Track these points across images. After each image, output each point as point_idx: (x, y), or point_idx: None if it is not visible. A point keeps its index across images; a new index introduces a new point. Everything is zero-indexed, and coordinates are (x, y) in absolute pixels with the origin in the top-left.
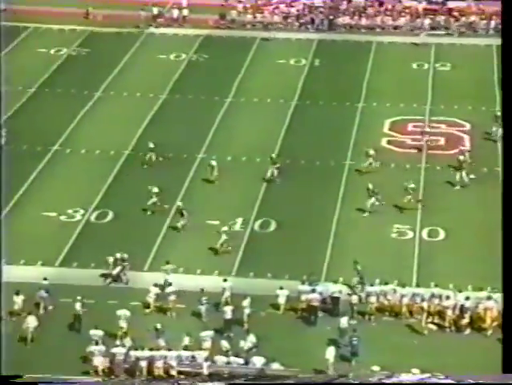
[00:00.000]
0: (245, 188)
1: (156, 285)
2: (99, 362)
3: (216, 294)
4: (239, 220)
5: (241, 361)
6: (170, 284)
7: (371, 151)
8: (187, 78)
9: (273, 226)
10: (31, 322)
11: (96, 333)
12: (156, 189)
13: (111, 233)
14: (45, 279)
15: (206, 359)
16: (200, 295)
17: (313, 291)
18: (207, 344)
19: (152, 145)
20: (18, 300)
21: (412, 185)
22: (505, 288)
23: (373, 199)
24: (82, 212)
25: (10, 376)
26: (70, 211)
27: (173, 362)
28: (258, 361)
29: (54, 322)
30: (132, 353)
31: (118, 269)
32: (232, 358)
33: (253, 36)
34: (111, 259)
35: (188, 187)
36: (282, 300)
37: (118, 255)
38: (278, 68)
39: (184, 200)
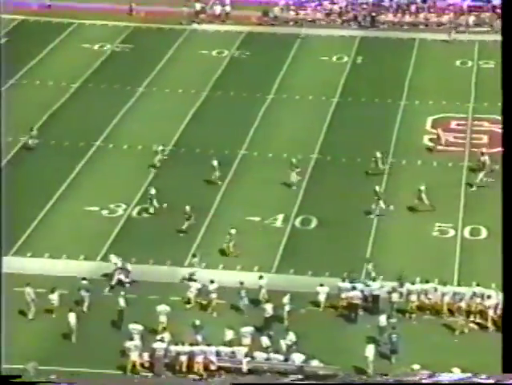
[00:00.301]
0: (286, 185)
1: (193, 279)
2: (136, 357)
3: (255, 291)
4: (280, 217)
5: (280, 357)
6: (193, 277)
7: (378, 154)
8: (229, 74)
9: (314, 223)
10: (72, 319)
11: (136, 327)
12: (153, 191)
13: (152, 228)
14: (84, 279)
15: (246, 355)
16: (239, 289)
17: (353, 289)
18: (247, 340)
19: (161, 147)
20: (54, 297)
21: (422, 187)
22: (505, 287)
23: (380, 202)
24: (124, 207)
25: (10, 376)
26: (112, 206)
27: (213, 358)
28: (297, 358)
29: (95, 316)
30: (173, 348)
31: (115, 279)
32: (271, 355)
33: (296, 33)
34: (114, 259)
35: (229, 183)
36: (322, 297)
37: (114, 259)
38: (320, 65)
39: (225, 196)
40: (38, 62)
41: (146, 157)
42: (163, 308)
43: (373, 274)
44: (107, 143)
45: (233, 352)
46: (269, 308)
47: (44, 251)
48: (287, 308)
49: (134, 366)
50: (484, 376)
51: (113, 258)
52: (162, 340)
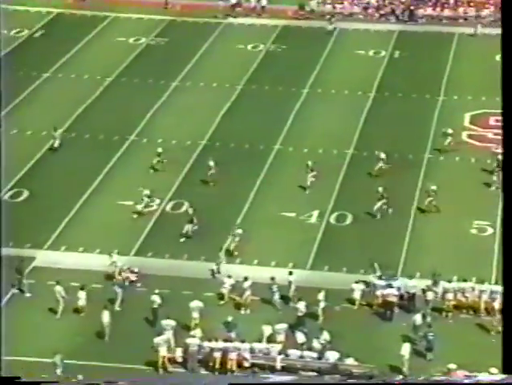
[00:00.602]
0: (322, 180)
1: (229, 276)
2: (165, 352)
3: (285, 287)
4: (315, 213)
5: (314, 355)
6: (218, 271)
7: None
8: (264, 68)
9: (349, 219)
10: (105, 317)
11: (169, 323)
12: (147, 192)
13: (186, 223)
14: (119, 274)
15: (280, 352)
16: (270, 284)
17: (389, 286)
18: (281, 337)
19: (160, 150)
20: (82, 296)
21: (434, 187)
22: (505, 287)
23: (380, 202)
24: (158, 201)
25: (10, 377)
26: (146, 200)
27: (247, 355)
28: (331, 356)
29: (128, 313)
30: (206, 344)
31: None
32: (305, 352)
33: (333, 26)
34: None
35: (263, 178)
36: (357, 294)
37: (115, 257)
38: (357, 59)
39: (260, 191)
40: (74, 56)
41: (181, 151)
42: (195, 304)
43: (378, 273)
44: (141, 138)
45: (267, 349)
46: (302, 306)
47: (78, 245)
48: (322, 305)
49: (163, 361)
50: None
51: (114, 256)
52: (195, 336)
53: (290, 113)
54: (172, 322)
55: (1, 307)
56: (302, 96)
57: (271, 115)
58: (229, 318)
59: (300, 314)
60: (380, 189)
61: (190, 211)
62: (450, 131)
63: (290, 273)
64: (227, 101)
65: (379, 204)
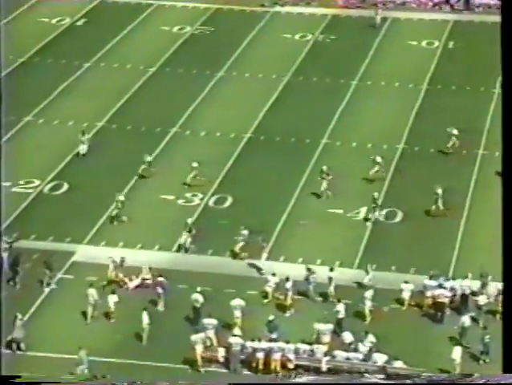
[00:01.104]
0: (370, 177)
1: (274, 274)
2: (201, 349)
3: (339, 287)
4: (363, 210)
5: (360, 357)
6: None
7: (379, 159)
8: (312, 59)
9: (399, 217)
10: (145, 318)
11: (210, 322)
12: (121, 197)
13: (230, 218)
14: (160, 276)
15: (325, 354)
16: (308, 275)
17: (440, 287)
18: (326, 338)
19: (149, 158)
20: (112, 300)
21: (440, 191)
22: (505, 287)
23: (376, 211)
24: (200, 196)
25: (11, 376)
26: (188, 194)
27: (291, 356)
28: (379, 358)
29: (169, 310)
30: (249, 344)
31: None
32: (352, 354)
33: (384, 16)
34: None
35: (310, 173)
36: (406, 295)
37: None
38: (409, 50)
39: (306, 187)
40: (116, 45)
41: (224, 144)
42: (237, 302)
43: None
44: (185, 130)
45: (311, 350)
46: (341, 308)
47: (118, 240)
48: (369, 304)
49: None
50: None
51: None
52: (238, 335)
53: (338, 106)
54: (214, 321)
55: (1, 306)
56: (350, 88)
57: (318, 108)
58: (271, 318)
59: (341, 316)
60: (376, 195)
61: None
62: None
63: (331, 269)
64: (273, 93)
65: (372, 211)
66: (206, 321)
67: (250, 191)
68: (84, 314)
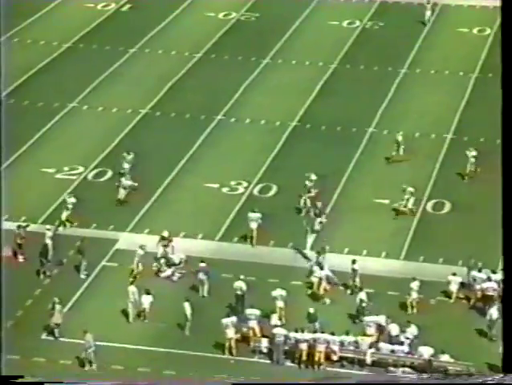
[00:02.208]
0: (418, 167)
1: (318, 264)
2: (232, 334)
3: (377, 278)
4: (411, 200)
5: (405, 349)
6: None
7: (400, 137)
8: (360, 47)
9: (447, 207)
10: (187, 309)
11: (253, 312)
12: (73, 199)
13: (274, 207)
14: (202, 262)
15: (370, 346)
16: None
17: (489, 279)
18: (371, 330)
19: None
20: (146, 301)
21: (411, 189)
22: (505, 287)
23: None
24: (245, 184)
25: (11, 376)
26: (233, 183)
27: (335, 347)
28: (425, 351)
29: (211, 298)
30: (292, 335)
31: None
32: (397, 347)
33: (434, 2)
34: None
35: (356, 163)
36: (454, 287)
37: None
38: (460, 38)
39: (352, 177)
40: (161, 31)
41: (269, 133)
42: (279, 292)
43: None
44: (229, 117)
45: (356, 342)
46: (363, 296)
47: (162, 228)
48: (414, 296)
49: (230, 344)
50: None
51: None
52: (280, 326)
53: (385, 94)
54: (257, 312)
55: (1, 302)
56: (399, 76)
57: (366, 96)
58: (311, 310)
59: (364, 304)
60: (407, 187)
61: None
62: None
63: (354, 261)
64: (320, 80)
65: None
66: (249, 311)
67: (295, 180)
68: (125, 311)
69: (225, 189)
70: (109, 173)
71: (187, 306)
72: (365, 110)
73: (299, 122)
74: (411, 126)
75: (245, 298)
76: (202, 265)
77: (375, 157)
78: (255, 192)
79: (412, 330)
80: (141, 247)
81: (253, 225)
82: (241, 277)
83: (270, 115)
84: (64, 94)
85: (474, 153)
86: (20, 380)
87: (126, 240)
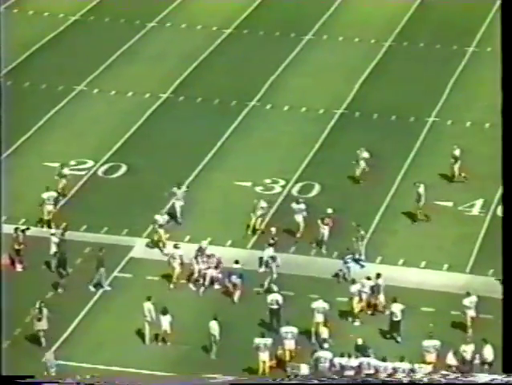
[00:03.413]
0: (486, 164)
1: (368, 278)
2: (266, 357)
3: (438, 294)
4: (478, 203)
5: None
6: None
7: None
8: (418, 21)
9: None
10: (214, 328)
11: (289, 330)
12: (50, 207)
13: (316, 209)
14: (236, 262)
15: (428, 374)
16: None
17: None
18: (431, 357)
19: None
20: (165, 321)
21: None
22: (505, 287)
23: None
24: (282, 183)
25: (11, 376)
26: (267, 181)
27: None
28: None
29: (244, 314)
30: (337, 360)
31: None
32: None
33: None
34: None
35: (413, 158)
36: None
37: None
38: None
39: (408, 174)
40: (184, 2)
41: (310, 122)
42: (320, 305)
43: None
44: (265, 104)
45: (412, 370)
46: (397, 310)
47: (184, 233)
48: (471, 313)
49: (264, 368)
50: None
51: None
52: (326, 349)
53: (449, 77)
54: (294, 329)
55: (1, 305)
56: (465, 57)
57: (425, 80)
58: (360, 341)
59: (395, 318)
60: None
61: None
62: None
63: (378, 275)
64: (371, 61)
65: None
66: (285, 329)
67: (342, 178)
68: (140, 330)
69: (258, 188)
70: (123, 168)
71: (214, 326)
72: (425, 96)
73: (347, 109)
74: (478, 115)
75: (282, 314)
76: (236, 266)
77: (436, 151)
78: (294, 191)
79: (488, 351)
80: (176, 246)
81: (299, 218)
82: (276, 288)
83: (312, 101)
84: (71, 75)
85: None
86: (20, 380)
87: (142, 247)
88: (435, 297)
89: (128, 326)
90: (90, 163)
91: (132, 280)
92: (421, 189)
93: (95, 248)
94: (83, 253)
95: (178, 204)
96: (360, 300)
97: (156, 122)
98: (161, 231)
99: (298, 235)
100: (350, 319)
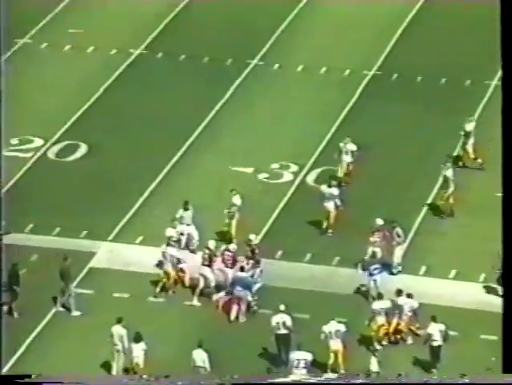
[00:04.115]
0: None
1: (409, 295)
2: None
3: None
4: None
5: None
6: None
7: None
8: None
9: None
10: (199, 357)
11: (301, 356)
12: None
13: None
14: (242, 269)
15: None
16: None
17: None
18: None
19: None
20: (138, 350)
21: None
22: (505, 287)
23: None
24: (294, 168)
25: (12, 376)
26: (274, 166)
27: None
28: None
29: (240, 338)
30: None
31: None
32: None
33: None
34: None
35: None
36: None
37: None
38: None
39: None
40: None
41: (334, 87)
42: (334, 327)
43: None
44: (270, 63)
45: None
46: (435, 331)
47: (163, 236)
48: None
49: None
50: None
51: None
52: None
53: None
54: (308, 356)
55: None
56: None
57: (473, 39)
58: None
59: (435, 343)
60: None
61: None
62: None
63: (399, 292)
64: (407, 14)
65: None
66: (295, 355)
67: (373, 161)
68: (107, 363)
69: (262, 176)
70: (82, 149)
71: (198, 355)
72: (475, 56)
73: (380, 70)
74: None
75: (292, 338)
76: (241, 274)
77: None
78: (309, 180)
79: None
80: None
81: (330, 205)
82: (282, 308)
83: (333, 60)
84: (11, 25)
85: None
86: (20, 380)
87: (107, 254)
88: (466, 316)
89: (90, 358)
90: (38, 142)
91: (93, 297)
92: (449, 172)
93: (49, 255)
94: (29, 262)
95: (186, 233)
96: (389, 322)
97: (126, 87)
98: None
99: (330, 230)
100: (373, 346)
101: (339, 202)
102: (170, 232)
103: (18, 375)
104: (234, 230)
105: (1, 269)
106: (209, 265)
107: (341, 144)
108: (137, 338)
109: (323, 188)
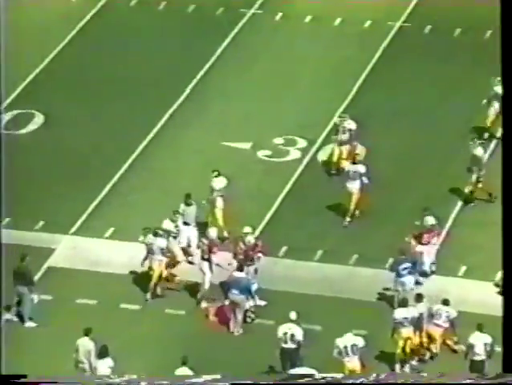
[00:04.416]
0: None
1: (446, 302)
2: None
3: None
4: None
5: None
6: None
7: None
8: None
9: None
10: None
11: (308, 373)
12: None
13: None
14: (240, 269)
15: None
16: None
17: None
18: None
19: None
20: (104, 368)
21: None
22: (505, 287)
23: None
24: (302, 144)
25: (12, 376)
26: (278, 141)
27: None
28: None
29: (244, 353)
30: None
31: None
32: None
33: None
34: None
35: None
36: None
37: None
38: None
39: None
40: None
41: (351, 41)
42: (350, 341)
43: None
44: (272, 12)
45: None
46: (477, 342)
47: (137, 228)
48: None
49: None
50: None
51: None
52: None
53: None
54: (316, 374)
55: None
56: None
57: None
58: None
59: (477, 357)
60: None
61: None
62: None
63: (446, 302)
64: None
65: None
66: (304, 371)
67: (396, 133)
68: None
69: (262, 153)
70: (37, 118)
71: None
72: None
73: (408, 22)
74: None
75: (299, 351)
76: (238, 275)
77: None
78: (321, 158)
79: None
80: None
81: (355, 186)
82: (293, 317)
83: (350, 8)
84: None
85: None
86: (19, 381)
87: (69, 250)
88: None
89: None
90: None
91: (52, 304)
92: (479, 151)
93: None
94: None
95: (185, 236)
96: (416, 333)
97: (92, 43)
98: None
99: (348, 219)
100: (397, 365)
101: (366, 180)
102: (167, 224)
103: (13, 375)
104: (222, 221)
105: None
106: (208, 259)
107: (336, 121)
108: (102, 353)
109: (347, 164)
